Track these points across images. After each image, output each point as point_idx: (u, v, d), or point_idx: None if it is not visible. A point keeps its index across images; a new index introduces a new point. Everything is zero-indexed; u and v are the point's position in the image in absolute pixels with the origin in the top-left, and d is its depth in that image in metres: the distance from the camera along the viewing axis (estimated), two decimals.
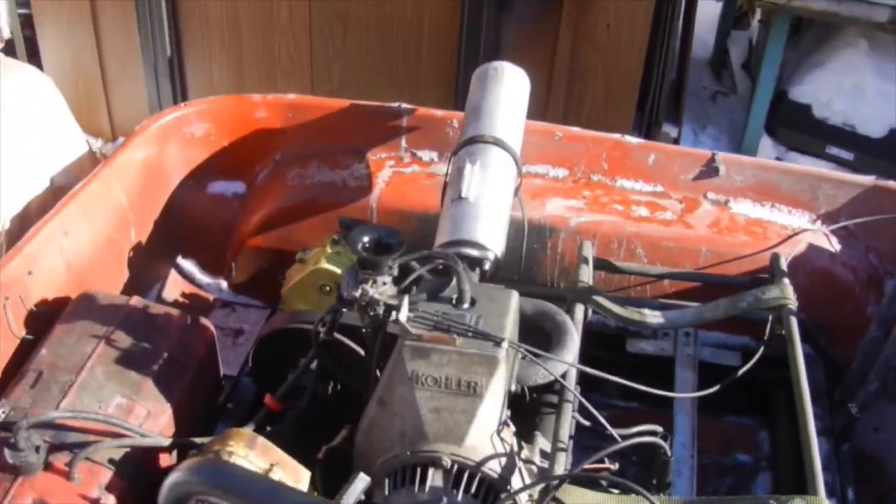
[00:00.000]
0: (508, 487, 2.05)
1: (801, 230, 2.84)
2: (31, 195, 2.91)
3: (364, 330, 2.15)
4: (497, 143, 2.55)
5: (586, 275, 2.56)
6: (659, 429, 2.21)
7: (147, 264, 2.94)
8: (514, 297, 2.13)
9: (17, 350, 2.36)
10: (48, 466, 2.03)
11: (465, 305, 2.06)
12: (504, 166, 2.54)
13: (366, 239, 2.08)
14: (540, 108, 3.48)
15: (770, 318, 2.57)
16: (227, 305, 3.07)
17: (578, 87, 3.73)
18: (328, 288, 2.52)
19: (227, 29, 4.04)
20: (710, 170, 2.92)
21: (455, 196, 2.43)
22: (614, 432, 2.13)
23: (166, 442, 2.15)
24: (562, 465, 2.05)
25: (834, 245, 2.84)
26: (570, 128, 2.97)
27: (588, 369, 2.15)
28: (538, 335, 2.30)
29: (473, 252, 2.31)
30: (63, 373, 2.22)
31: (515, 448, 2.10)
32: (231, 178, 3.11)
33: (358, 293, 2.07)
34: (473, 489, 2.02)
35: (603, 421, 2.13)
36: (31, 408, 2.14)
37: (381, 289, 2.08)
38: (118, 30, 4.09)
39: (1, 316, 2.33)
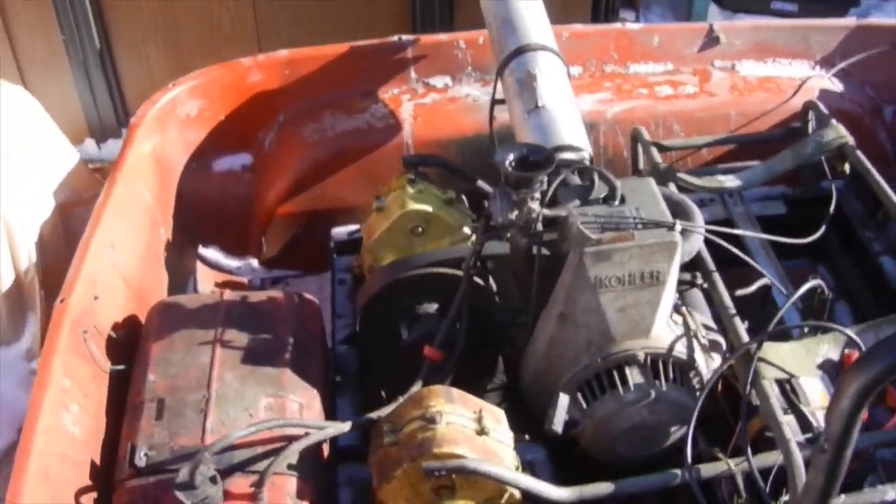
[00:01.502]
0: (696, 365, 1.89)
1: (807, 78, 2.77)
2: (39, 217, 2.41)
3: (523, 251, 1.90)
4: (545, 48, 2.29)
5: (657, 156, 2.40)
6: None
7: (178, 261, 2.50)
8: (653, 182, 1.94)
9: (110, 385, 1.95)
10: (227, 496, 1.65)
11: (616, 202, 1.86)
12: (558, 69, 2.30)
13: (511, 157, 1.82)
14: None
15: (823, 159, 2.51)
16: (279, 282, 2.69)
17: None
18: (420, 229, 2.22)
19: (158, 7, 3.49)
20: (710, 40, 2.77)
21: (530, 107, 2.16)
22: (780, 286, 1.99)
23: (347, 426, 1.82)
24: (741, 328, 1.89)
25: (837, 86, 2.80)
26: (573, 26, 2.73)
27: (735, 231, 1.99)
28: None
29: (572, 155, 2.09)
30: (189, 392, 1.81)
31: (692, 325, 1.94)
32: (235, 151, 2.67)
33: (514, 215, 1.82)
34: (672, 375, 1.85)
35: (770, 278, 2.00)
36: (172, 440, 1.73)
37: (535, 205, 1.83)
38: (35, 31, 3.42)
39: (84, 352, 1.91)
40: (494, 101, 2.36)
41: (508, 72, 2.28)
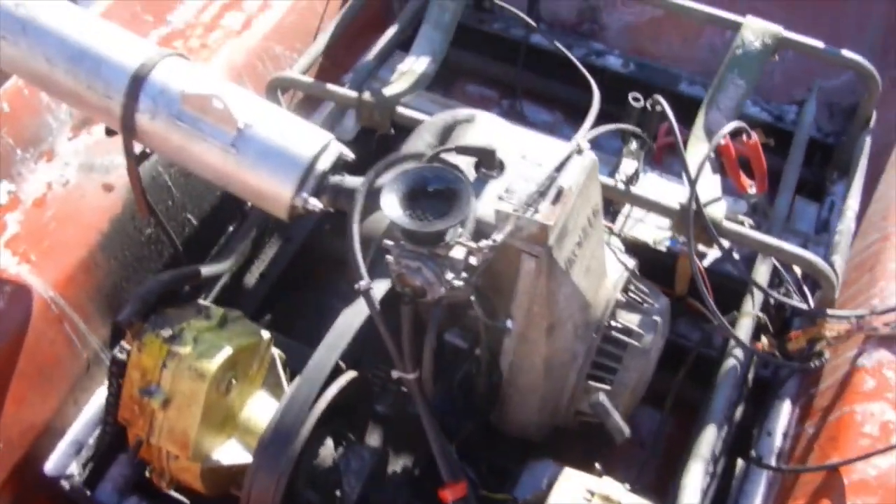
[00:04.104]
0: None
1: None
2: None
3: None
4: (166, 55, 1.48)
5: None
6: None
7: None
8: (491, 116, 1.49)
9: None
10: None
11: (496, 169, 1.34)
12: (198, 69, 1.51)
13: (395, 202, 1.13)
14: None
15: None
16: None
17: None
18: (232, 380, 1.42)
19: None
20: None
21: (230, 137, 1.40)
22: None
23: None
24: None
25: None
26: None
27: None
28: None
29: (342, 149, 1.44)
30: None
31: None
32: None
33: (449, 273, 1.17)
34: (642, 286, 1.52)
35: None
36: None
37: (465, 244, 1.20)
38: None
39: None
40: (140, 156, 1.53)
41: (145, 114, 1.44)
